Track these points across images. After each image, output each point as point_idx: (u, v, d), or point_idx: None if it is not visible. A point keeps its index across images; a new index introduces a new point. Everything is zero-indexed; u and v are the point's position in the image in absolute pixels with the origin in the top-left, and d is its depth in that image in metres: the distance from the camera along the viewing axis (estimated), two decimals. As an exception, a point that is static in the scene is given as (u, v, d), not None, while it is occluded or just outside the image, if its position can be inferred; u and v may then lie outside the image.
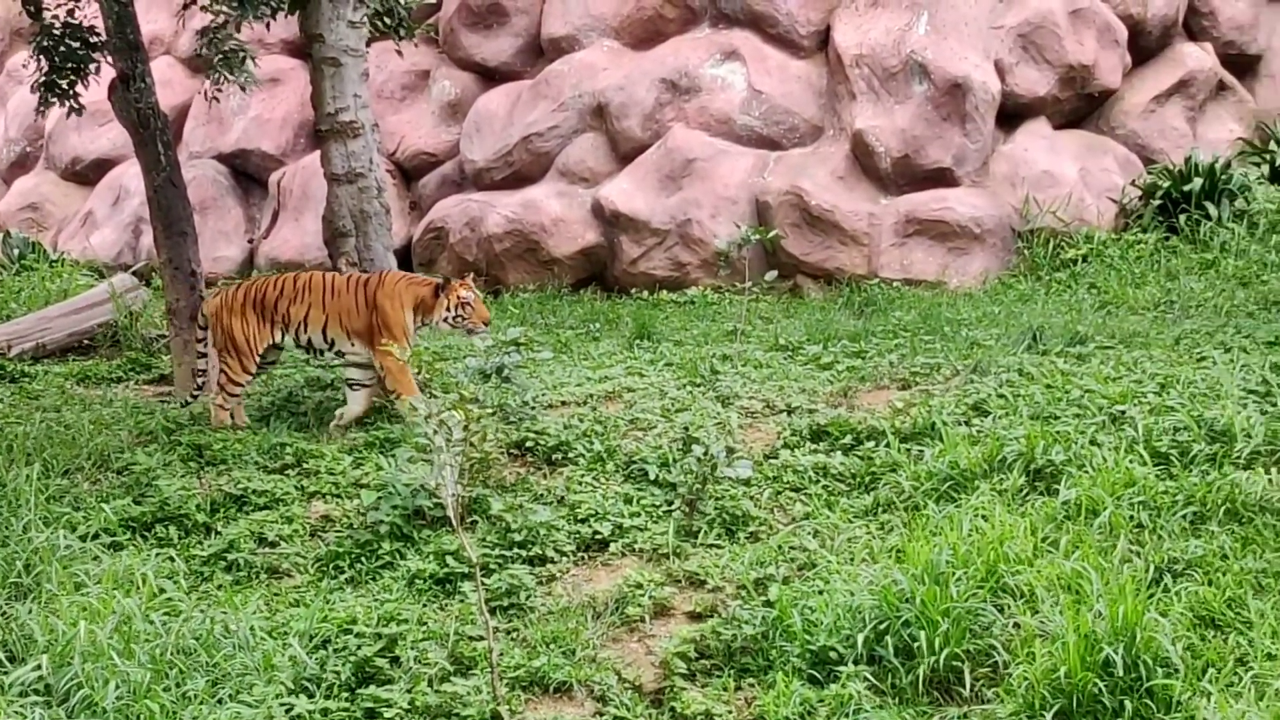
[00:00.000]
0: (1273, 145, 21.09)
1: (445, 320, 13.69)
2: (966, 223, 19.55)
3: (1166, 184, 19.95)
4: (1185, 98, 21.49)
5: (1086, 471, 10.76)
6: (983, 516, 10.35)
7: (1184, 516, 10.06)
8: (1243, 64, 22.46)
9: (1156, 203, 19.92)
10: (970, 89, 19.90)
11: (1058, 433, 11.45)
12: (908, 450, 11.84)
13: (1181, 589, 9.27)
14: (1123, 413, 11.76)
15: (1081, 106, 21.07)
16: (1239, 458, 10.71)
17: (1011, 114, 20.57)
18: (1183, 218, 19.41)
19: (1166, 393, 12.15)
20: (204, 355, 14.46)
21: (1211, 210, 19.34)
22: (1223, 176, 19.75)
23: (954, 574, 9.37)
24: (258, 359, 14.11)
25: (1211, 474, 10.48)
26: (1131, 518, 10.12)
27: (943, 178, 19.96)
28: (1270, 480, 10.32)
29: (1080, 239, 19.50)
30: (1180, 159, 20.44)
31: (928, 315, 16.86)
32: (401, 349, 13.20)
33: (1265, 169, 20.77)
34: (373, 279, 13.98)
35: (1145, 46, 21.51)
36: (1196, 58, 21.73)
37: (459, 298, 13.66)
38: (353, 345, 13.85)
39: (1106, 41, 20.85)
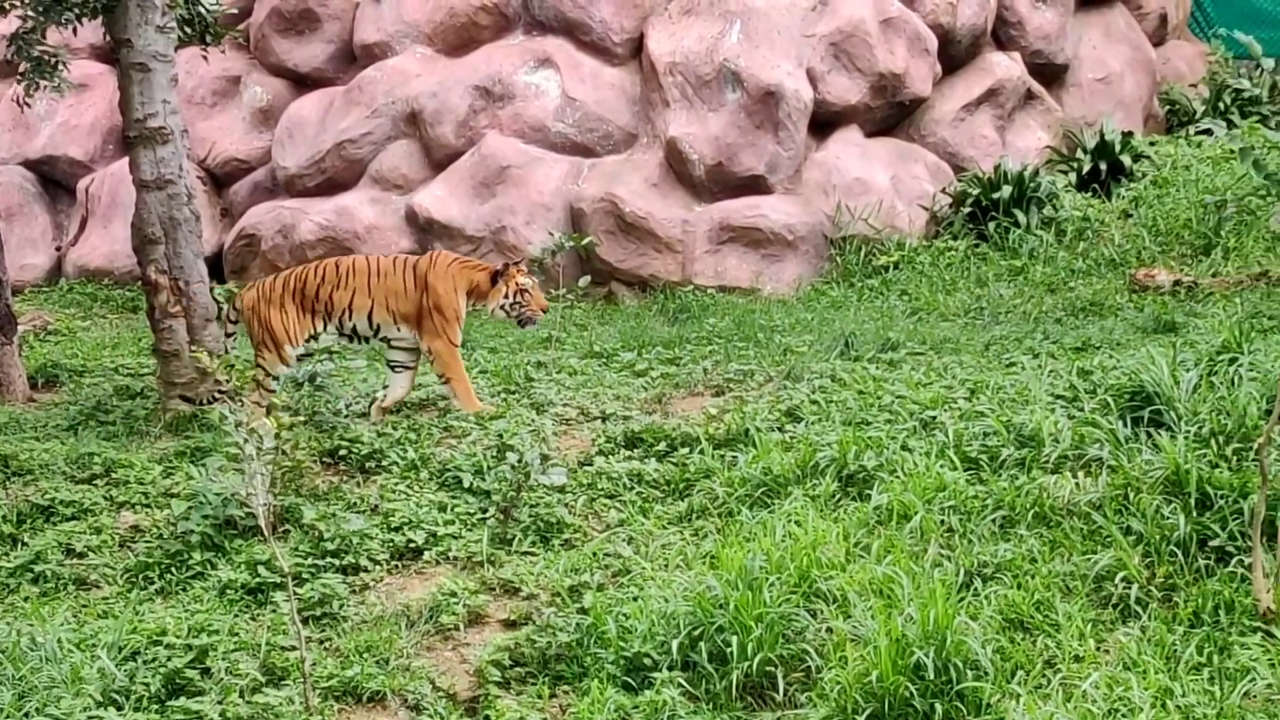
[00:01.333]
0: (1080, 153, 21.42)
1: (502, 308, 13.73)
2: (780, 230, 19.66)
3: (976, 191, 20.19)
4: (994, 106, 21.76)
5: (898, 477, 10.88)
6: (796, 522, 10.42)
7: (993, 521, 10.18)
8: (1050, 73, 22.78)
9: (967, 210, 20.16)
10: (783, 97, 20.03)
11: (870, 438, 11.55)
12: (722, 457, 11.90)
13: (991, 592, 9.38)
14: (933, 418, 11.89)
15: (893, 114, 21.26)
16: (1047, 462, 10.85)
17: (824, 122, 20.72)
18: (992, 225, 19.65)
19: (976, 398, 12.30)
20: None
21: (1020, 217, 19.58)
22: (1031, 184, 20.01)
23: (767, 579, 9.43)
24: (298, 349, 13.79)
25: (1020, 478, 10.62)
26: (942, 522, 10.23)
27: (756, 185, 20.06)
28: (1077, 484, 10.46)
29: (892, 246, 19.67)
30: (990, 167, 20.69)
31: (741, 322, 16.95)
32: (454, 333, 13.44)
33: (1073, 177, 21.08)
34: (423, 260, 13.89)
35: (955, 55, 21.75)
36: (1005, 67, 22.01)
37: (518, 285, 13.68)
38: (399, 330, 13.74)
39: (917, 50, 21.06)
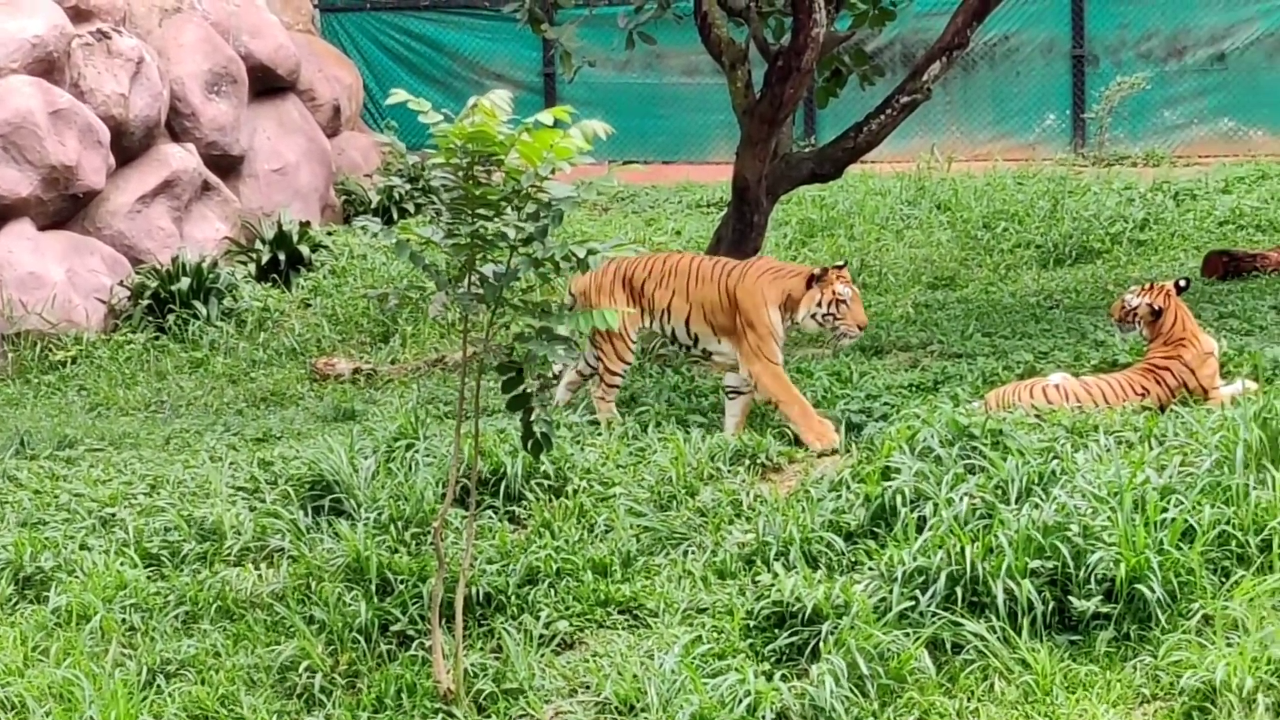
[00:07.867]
0: (259, 244, 21.58)
1: (812, 316, 12.06)
2: (-50, 326, 19.04)
3: (155, 284, 20.03)
4: (171, 198, 21.65)
5: (77, 577, 10.67)
6: (-30, 630, 10.11)
7: (176, 617, 10.14)
8: (227, 164, 22.84)
9: (146, 303, 19.97)
10: (-50, 190, 19.42)
11: (47, 539, 11.27)
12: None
13: (175, 689, 9.35)
14: (113, 515, 11.70)
15: (67, 207, 20.86)
16: (230, 555, 10.87)
17: (-5, 215, 20.18)
18: (172, 317, 19.53)
19: (157, 493, 12.15)
20: None
21: (201, 309, 19.56)
22: (210, 275, 20.02)
23: (-63, 692, 9.14)
24: (634, 344, 12.78)
25: (203, 573, 10.62)
26: (124, 620, 10.14)
27: (-74, 281, 19.36)
28: (260, 576, 10.53)
29: (69, 341, 19.28)
30: (169, 259, 20.55)
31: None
32: (770, 351, 12.09)
33: (252, 267, 21.22)
34: (735, 269, 12.52)
35: (129, 147, 21.52)
36: (181, 158, 21.93)
37: (835, 294, 11.95)
38: (719, 343, 12.45)
39: (89, 142, 20.74)
